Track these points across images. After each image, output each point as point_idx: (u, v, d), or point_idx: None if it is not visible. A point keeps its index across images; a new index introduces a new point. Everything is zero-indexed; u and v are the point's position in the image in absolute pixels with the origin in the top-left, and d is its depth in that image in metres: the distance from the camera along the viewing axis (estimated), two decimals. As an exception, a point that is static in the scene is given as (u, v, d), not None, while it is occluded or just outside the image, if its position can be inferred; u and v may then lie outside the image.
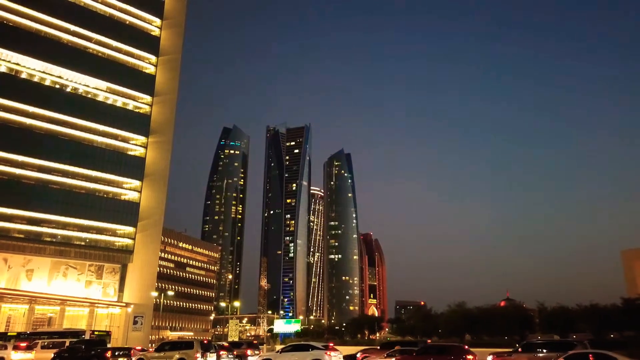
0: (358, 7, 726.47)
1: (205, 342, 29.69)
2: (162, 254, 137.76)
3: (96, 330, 56.64)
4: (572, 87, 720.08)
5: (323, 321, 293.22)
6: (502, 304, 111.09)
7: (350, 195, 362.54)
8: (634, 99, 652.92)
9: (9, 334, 60.07)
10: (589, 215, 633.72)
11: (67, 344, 34.40)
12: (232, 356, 31.22)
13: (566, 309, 51.22)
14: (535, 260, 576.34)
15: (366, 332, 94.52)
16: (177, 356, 27.02)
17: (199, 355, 26.76)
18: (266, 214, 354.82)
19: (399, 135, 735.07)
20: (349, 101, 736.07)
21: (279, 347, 40.44)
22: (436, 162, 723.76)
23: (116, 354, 34.12)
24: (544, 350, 22.15)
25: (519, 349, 22.86)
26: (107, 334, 55.06)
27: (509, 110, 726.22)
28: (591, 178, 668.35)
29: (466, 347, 24.25)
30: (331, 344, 28.76)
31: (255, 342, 39.36)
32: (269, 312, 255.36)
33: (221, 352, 30.54)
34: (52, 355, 31.64)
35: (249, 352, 35.06)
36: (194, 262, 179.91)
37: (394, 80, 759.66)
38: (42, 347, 34.06)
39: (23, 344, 34.32)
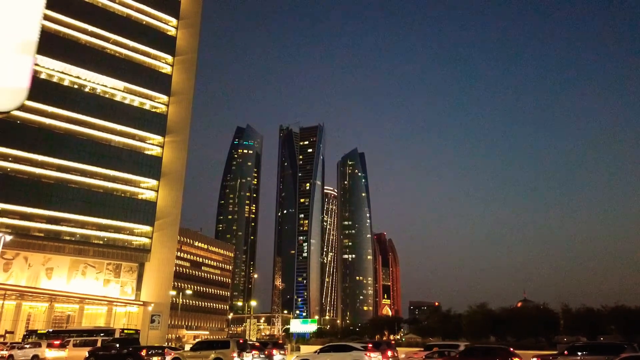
0: (372, 4, 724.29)
1: (241, 341, 29.19)
2: (178, 253, 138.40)
3: (126, 329, 56.69)
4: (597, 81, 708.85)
5: (338, 321, 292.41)
6: (519, 304, 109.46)
7: (364, 194, 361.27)
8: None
9: (38, 331, 60.55)
10: (609, 215, 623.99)
11: (99, 342, 34.27)
12: (263, 356, 30.64)
13: (592, 311, 49.97)
14: (551, 261, 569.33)
15: (386, 333, 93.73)
16: (213, 356, 26.51)
17: (235, 355, 26.20)
18: (279, 214, 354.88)
19: (413, 134, 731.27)
20: (363, 100, 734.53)
21: (310, 348, 39.62)
22: (451, 161, 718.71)
23: (150, 352, 33.85)
24: (591, 353, 21.23)
25: (565, 352, 21.96)
26: (136, 332, 55.05)
27: (527, 106, 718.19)
28: (613, 175, 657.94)
29: (512, 349, 23.53)
30: (370, 345, 28.12)
31: (280, 342, 38.69)
32: (285, 311, 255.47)
33: (253, 352, 29.96)
34: (86, 353, 31.48)
35: (274, 351, 34.48)
36: (209, 261, 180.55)
37: (408, 79, 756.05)
38: (74, 345, 34.01)
39: (57, 342, 34.37)
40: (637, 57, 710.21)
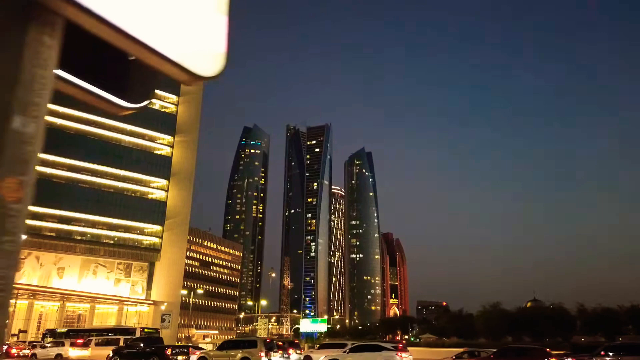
0: (379, 3, 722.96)
1: (268, 340, 28.90)
2: (188, 253, 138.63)
3: (146, 328, 56.80)
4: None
5: (346, 321, 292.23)
6: (529, 304, 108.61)
7: (371, 194, 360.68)
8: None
9: (58, 330, 60.85)
10: (614, 216, 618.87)
11: (122, 341, 34.20)
12: (286, 356, 30.29)
13: (608, 310, 49.25)
14: (559, 261, 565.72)
15: (398, 333, 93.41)
16: (240, 355, 26.19)
17: (262, 354, 25.88)
18: (287, 213, 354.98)
19: (420, 133, 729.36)
20: (371, 99, 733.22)
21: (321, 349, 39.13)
22: (459, 160, 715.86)
23: (175, 351, 33.68)
24: (628, 354, 20.69)
25: (602, 352, 21.45)
26: (157, 331, 55.08)
27: (532, 108, 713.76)
28: (613, 175, 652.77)
29: (548, 349, 23.12)
30: (401, 345, 27.77)
31: (296, 341, 38.47)
32: (294, 311, 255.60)
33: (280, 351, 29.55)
34: (110, 352, 31.38)
35: (290, 351, 34.18)
36: (218, 260, 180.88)
37: (416, 78, 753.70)
38: (96, 345, 33.98)
39: (80, 341, 34.39)
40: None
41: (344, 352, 27.90)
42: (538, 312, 53.64)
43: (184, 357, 32.71)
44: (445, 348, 38.48)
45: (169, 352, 32.86)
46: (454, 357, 28.74)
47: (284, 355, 29.36)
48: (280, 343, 32.56)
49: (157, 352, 31.71)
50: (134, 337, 35.40)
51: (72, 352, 32.96)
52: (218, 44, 1.78)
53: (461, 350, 30.10)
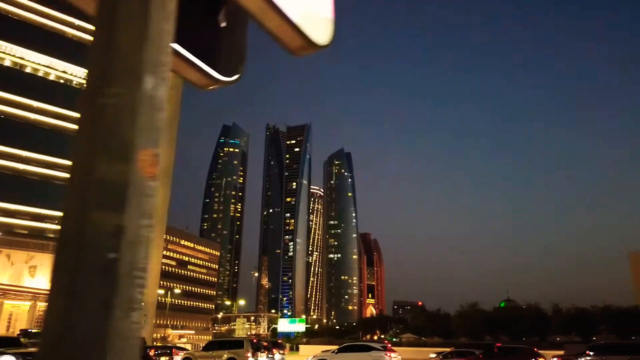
0: (359, 3, 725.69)
1: (254, 341, 28.44)
2: (164, 252, 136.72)
3: None
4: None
5: (324, 320, 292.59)
6: (502, 304, 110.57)
7: (350, 194, 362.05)
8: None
9: (33, 331, 58.88)
10: (592, 215, 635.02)
11: None
12: (271, 356, 29.85)
13: (582, 310, 50.48)
14: (533, 262, 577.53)
15: (377, 332, 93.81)
16: (227, 356, 25.67)
17: (250, 354, 25.43)
18: (265, 213, 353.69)
19: (399, 134, 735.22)
20: (350, 100, 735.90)
21: (310, 348, 38.82)
22: (435, 162, 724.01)
23: (158, 352, 32.86)
24: (614, 353, 20.93)
25: (587, 352, 21.73)
26: None
27: (506, 107, 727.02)
28: (595, 177, 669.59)
29: (535, 349, 23.36)
30: (389, 345, 27.67)
31: (279, 341, 37.97)
32: (272, 311, 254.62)
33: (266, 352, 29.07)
34: None
35: (274, 351, 33.72)
36: (195, 260, 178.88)
37: (395, 79, 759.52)
38: None
39: None
40: None
41: (332, 352, 27.71)
42: (515, 312, 54.64)
43: (167, 358, 32.07)
44: (428, 348, 38.77)
45: (152, 352, 32.11)
46: (441, 357, 28.93)
47: (269, 355, 29.00)
48: (265, 343, 32.22)
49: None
50: None
51: None
52: (328, 9, 1.70)
53: (448, 349, 30.31)
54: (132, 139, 1.19)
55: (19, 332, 61.39)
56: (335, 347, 32.88)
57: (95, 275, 1.14)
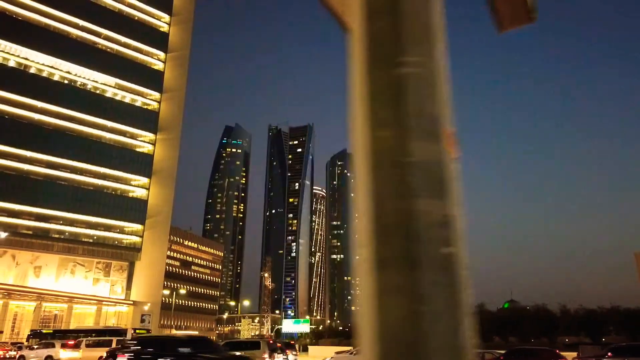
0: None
1: (270, 341, 28.15)
2: (168, 252, 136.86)
3: (137, 329, 55.34)
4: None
5: (327, 321, 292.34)
6: (506, 305, 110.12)
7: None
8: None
9: (44, 331, 59.05)
10: (593, 215, 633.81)
11: (115, 342, 32.99)
12: (285, 357, 29.46)
13: (591, 312, 50.21)
14: (536, 262, 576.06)
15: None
16: None
17: (266, 355, 25.07)
18: (268, 213, 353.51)
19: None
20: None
21: (320, 349, 38.36)
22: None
23: None
24: (637, 355, 20.61)
25: (609, 354, 21.49)
26: (147, 332, 53.63)
27: (515, 109, 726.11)
28: (604, 175, 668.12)
29: (557, 350, 23.09)
30: None
31: (292, 342, 37.54)
32: (277, 312, 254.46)
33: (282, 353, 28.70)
34: (104, 354, 30.14)
35: (287, 352, 33.28)
36: (199, 260, 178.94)
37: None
38: (87, 346, 32.72)
39: (71, 342, 33.14)
40: None
41: (351, 353, 27.36)
42: (522, 313, 54.40)
43: None
44: None
45: None
46: None
47: (283, 356, 28.61)
48: (279, 345, 31.90)
49: None
50: (127, 339, 34.23)
51: (64, 353, 31.71)
52: None
53: None
54: (438, 115, 1.08)
55: (29, 333, 61.51)
56: (349, 348, 32.58)
57: (436, 274, 0.99)
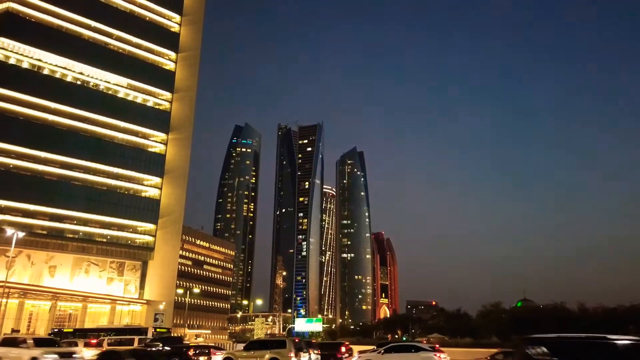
0: (371, 4, 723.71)
1: (297, 340, 28.01)
2: (181, 252, 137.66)
3: (158, 328, 55.41)
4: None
5: (338, 320, 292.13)
6: (519, 304, 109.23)
7: (362, 193, 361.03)
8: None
9: (64, 330, 59.57)
10: (601, 217, 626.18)
11: (136, 341, 33.04)
12: (309, 356, 29.15)
13: (610, 310, 49.56)
14: (549, 261, 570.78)
15: (399, 332, 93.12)
16: (269, 356, 25.21)
17: (292, 354, 24.98)
18: (278, 212, 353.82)
19: (412, 133, 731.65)
20: (362, 99, 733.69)
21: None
22: (450, 160, 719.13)
23: (197, 352, 32.63)
24: None
25: None
26: (168, 331, 53.68)
27: (524, 107, 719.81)
28: (611, 175, 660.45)
29: None
30: (437, 345, 27.16)
31: (313, 341, 37.30)
32: (288, 310, 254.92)
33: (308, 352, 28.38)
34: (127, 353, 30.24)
35: (310, 351, 32.85)
36: (211, 259, 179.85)
37: (407, 77, 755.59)
38: (109, 344, 32.80)
39: (94, 341, 33.26)
40: None
41: (375, 351, 27.19)
42: (539, 312, 53.82)
43: (206, 358, 31.71)
44: (468, 348, 38.09)
45: (191, 352, 31.73)
46: (488, 358, 28.33)
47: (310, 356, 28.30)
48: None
49: (178, 353, 30.46)
50: (149, 338, 34.22)
51: (87, 352, 31.86)
52: None
53: (495, 350, 29.68)
54: None
55: (50, 332, 61.94)
56: (371, 347, 32.26)
57: None
